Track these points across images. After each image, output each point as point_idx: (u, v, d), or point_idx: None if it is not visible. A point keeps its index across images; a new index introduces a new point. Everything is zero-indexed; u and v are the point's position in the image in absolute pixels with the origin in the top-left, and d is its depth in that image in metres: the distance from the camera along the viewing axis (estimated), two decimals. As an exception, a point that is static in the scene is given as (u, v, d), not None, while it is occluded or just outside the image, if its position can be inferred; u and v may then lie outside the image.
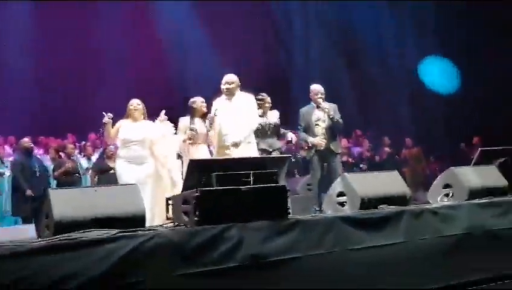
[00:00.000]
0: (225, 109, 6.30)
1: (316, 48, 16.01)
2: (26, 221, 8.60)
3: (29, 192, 8.71)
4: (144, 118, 6.52)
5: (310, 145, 7.21)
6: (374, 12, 15.64)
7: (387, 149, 12.79)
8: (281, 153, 7.21)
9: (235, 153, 6.07)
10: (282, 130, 7.55)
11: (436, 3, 14.69)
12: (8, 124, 12.32)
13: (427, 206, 4.84)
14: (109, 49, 13.91)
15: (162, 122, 6.50)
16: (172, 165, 6.48)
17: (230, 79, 6.38)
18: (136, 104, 6.48)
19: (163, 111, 6.54)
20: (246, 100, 6.41)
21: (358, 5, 15.39)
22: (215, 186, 4.01)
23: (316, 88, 7.35)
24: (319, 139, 7.14)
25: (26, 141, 9.36)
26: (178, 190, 6.25)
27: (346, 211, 4.75)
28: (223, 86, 6.39)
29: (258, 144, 6.65)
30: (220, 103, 6.39)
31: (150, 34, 14.50)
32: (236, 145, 6.13)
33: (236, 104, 6.35)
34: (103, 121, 6.32)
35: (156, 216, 5.79)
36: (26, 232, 6.88)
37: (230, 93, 6.34)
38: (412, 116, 14.65)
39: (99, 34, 14.05)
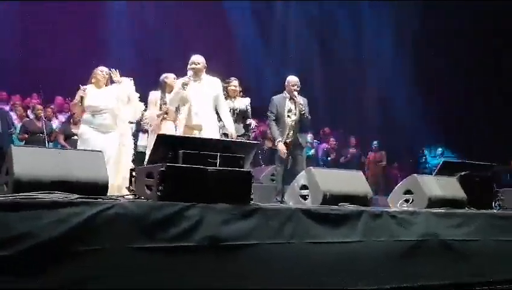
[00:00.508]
0: (193, 89, 6.20)
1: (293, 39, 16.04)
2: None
3: None
4: (106, 85, 6.42)
5: (275, 145, 7.30)
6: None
7: (352, 150, 12.95)
8: (247, 139, 7.20)
9: (203, 134, 6.03)
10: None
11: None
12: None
13: (387, 209, 4.91)
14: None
15: (121, 82, 6.39)
16: (125, 131, 6.45)
17: (196, 59, 6.28)
18: (105, 71, 6.38)
19: (117, 71, 6.45)
20: (213, 83, 6.33)
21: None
22: (181, 164, 3.99)
23: (293, 80, 7.36)
24: (283, 150, 7.16)
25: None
26: (127, 152, 6.27)
27: (308, 204, 4.78)
28: (189, 66, 6.27)
29: (221, 128, 6.62)
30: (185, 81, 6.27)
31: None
32: (198, 127, 6.09)
33: (204, 86, 6.26)
34: (79, 93, 6.21)
35: (117, 186, 5.73)
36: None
37: (196, 73, 6.23)
38: (381, 120, 14.86)
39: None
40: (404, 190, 5.48)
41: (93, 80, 6.35)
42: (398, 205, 5.39)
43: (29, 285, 3.05)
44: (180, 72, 6.46)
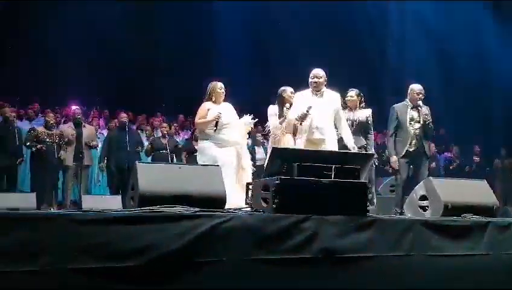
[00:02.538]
0: (314, 103, 6.27)
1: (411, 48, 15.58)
2: (115, 192, 9.04)
3: (101, 165, 9.24)
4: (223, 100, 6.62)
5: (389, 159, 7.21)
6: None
7: (476, 158, 12.30)
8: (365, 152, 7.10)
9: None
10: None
11: None
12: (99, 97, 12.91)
13: (516, 220, 4.61)
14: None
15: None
16: (243, 151, 6.60)
17: (317, 73, 6.33)
18: (222, 86, 6.58)
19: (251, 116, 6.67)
20: (332, 97, 6.35)
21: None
22: (296, 176, 4.02)
23: (418, 88, 7.17)
24: (394, 165, 7.04)
25: (122, 116, 9.83)
26: (247, 174, 6.38)
27: (428, 215, 4.61)
28: (311, 80, 6.34)
29: (339, 140, 6.58)
30: (306, 97, 6.35)
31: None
32: (321, 141, 6.12)
33: (324, 100, 6.30)
34: (216, 117, 6.37)
35: (234, 200, 5.86)
36: (113, 202, 7.27)
37: (317, 87, 6.29)
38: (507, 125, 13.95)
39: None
40: (420, 196, 4.91)
41: (212, 97, 6.57)
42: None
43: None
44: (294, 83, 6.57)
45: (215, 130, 6.34)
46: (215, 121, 6.32)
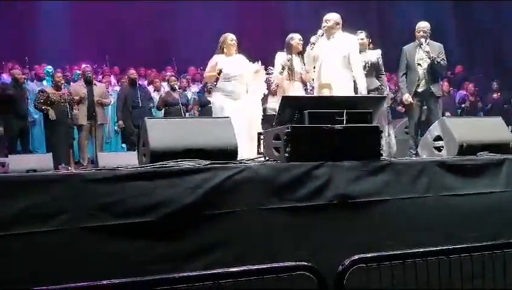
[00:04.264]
0: (324, 47, 6.17)
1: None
2: (131, 149, 9.10)
3: (120, 123, 9.25)
4: (236, 52, 6.54)
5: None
6: None
7: (495, 96, 12.07)
8: (380, 93, 7.00)
9: (333, 92, 5.97)
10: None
11: None
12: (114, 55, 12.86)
13: (532, 156, 4.53)
14: None
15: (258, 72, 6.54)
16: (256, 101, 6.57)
17: (327, 17, 6.21)
18: (234, 38, 6.49)
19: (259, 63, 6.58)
20: (346, 40, 6.22)
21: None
22: (307, 123, 3.98)
23: (420, 25, 7.02)
24: (407, 100, 6.95)
25: (131, 72, 9.78)
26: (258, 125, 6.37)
27: (443, 156, 4.57)
28: (322, 24, 6.24)
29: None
30: (320, 42, 6.25)
31: None
32: (327, 86, 6.03)
33: (336, 44, 6.18)
34: (217, 72, 6.38)
35: (248, 151, 5.86)
36: (129, 158, 7.30)
37: (327, 31, 6.18)
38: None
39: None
40: (434, 136, 4.81)
41: (224, 49, 6.49)
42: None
43: (169, 248, 3.25)
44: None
45: (215, 84, 6.32)
46: (217, 75, 6.29)
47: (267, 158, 4.14)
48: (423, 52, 6.97)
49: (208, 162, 3.62)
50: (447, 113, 9.62)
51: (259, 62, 6.60)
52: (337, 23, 6.19)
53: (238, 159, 3.97)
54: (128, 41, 13.81)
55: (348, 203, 3.73)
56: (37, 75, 10.98)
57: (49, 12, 13.34)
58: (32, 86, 10.31)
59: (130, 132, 9.36)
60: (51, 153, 7.73)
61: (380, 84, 7.07)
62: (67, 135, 9.06)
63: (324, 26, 6.18)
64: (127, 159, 7.21)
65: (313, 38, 6.19)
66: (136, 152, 8.06)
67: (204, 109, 9.60)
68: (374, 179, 3.86)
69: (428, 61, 6.92)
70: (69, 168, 8.40)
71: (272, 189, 3.58)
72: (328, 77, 6.11)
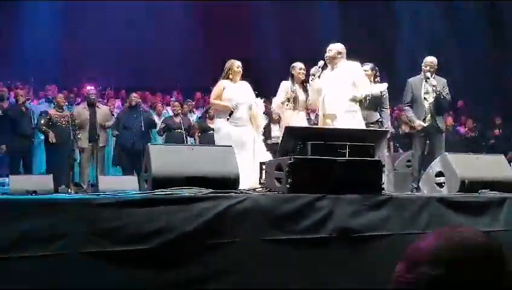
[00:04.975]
0: (327, 78, 6.21)
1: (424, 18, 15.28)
2: (125, 172, 9.10)
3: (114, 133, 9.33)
4: (241, 79, 6.57)
5: (413, 128, 7.05)
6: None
7: (496, 131, 12.10)
8: (380, 127, 7.00)
9: (337, 124, 5.97)
10: None
11: None
12: (114, 77, 12.95)
13: (534, 195, 4.54)
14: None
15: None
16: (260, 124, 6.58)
17: (330, 47, 6.25)
18: (240, 65, 6.52)
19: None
20: (350, 69, 6.22)
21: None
22: (310, 155, 3.99)
23: (428, 60, 7.06)
24: (422, 125, 6.92)
25: (134, 96, 9.81)
26: (261, 154, 6.35)
27: (444, 192, 4.57)
28: (325, 55, 6.28)
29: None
30: (324, 73, 6.29)
31: None
32: (331, 117, 6.01)
33: (339, 73, 6.20)
34: (232, 108, 6.34)
35: (251, 179, 5.85)
36: (129, 183, 7.30)
37: (330, 61, 6.21)
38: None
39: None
40: (436, 172, 4.83)
41: (230, 75, 6.52)
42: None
43: (168, 276, 3.23)
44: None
45: (228, 119, 6.32)
46: (230, 111, 6.30)
47: (268, 189, 4.14)
48: (429, 86, 7.00)
49: (209, 190, 3.62)
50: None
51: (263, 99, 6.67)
52: (340, 52, 6.20)
53: (240, 188, 3.97)
54: (138, 63, 13.89)
55: (349, 237, 3.72)
56: (42, 96, 11.05)
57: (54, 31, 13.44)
58: (37, 107, 10.35)
59: (119, 154, 9.39)
60: (51, 175, 7.71)
61: (380, 117, 7.08)
62: (68, 157, 9.07)
63: (327, 57, 6.21)
64: (127, 184, 7.23)
65: (313, 70, 6.23)
66: (135, 177, 8.14)
67: (204, 134, 9.61)
68: (375, 214, 3.86)
69: (434, 95, 6.95)
70: (69, 190, 8.39)
71: (273, 220, 3.58)
72: (332, 108, 6.11)
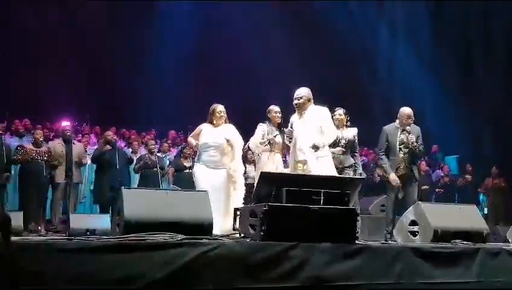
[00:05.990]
0: (298, 124, 6.19)
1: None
2: (103, 210, 8.95)
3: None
4: (226, 122, 6.56)
5: (387, 178, 7.04)
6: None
7: (468, 177, 12.28)
8: (354, 171, 7.03)
9: (308, 169, 5.94)
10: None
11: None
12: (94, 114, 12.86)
13: (506, 247, 4.57)
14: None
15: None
16: (238, 173, 6.52)
17: (297, 94, 6.24)
18: (222, 110, 6.51)
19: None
20: (318, 114, 6.23)
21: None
22: (284, 202, 3.98)
23: (407, 112, 7.10)
24: (396, 181, 6.92)
25: (109, 133, 9.72)
26: (239, 196, 6.31)
27: (418, 241, 4.58)
28: (293, 102, 6.27)
29: (334, 158, 6.48)
30: (294, 118, 6.29)
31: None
32: (302, 162, 5.98)
33: (307, 119, 6.19)
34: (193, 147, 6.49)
35: (221, 223, 5.78)
36: (101, 222, 7.18)
37: (299, 108, 6.20)
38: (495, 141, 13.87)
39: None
40: (410, 221, 4.89)
41: (213, 120, 6.51)
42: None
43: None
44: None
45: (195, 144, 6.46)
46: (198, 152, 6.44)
47: (242, 235, 4.10)
48: (405, 138, 7.02)
49: (182, 236, 3.58)
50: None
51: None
52: (309, 99, 6.21)
53: (213, 234, 3.93)
54: (111, 100, 13.80)
55: (322, 287, 3.69)
56: (16, 130, 10.89)
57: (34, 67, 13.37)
58: (12, 141, 10.17)
59: (101, 192, 9.25)
60: (21, 212, 7.55)
61: (354, 162, 7.12)
62: (41, 193, 8.90)
63: (296, 104, 6.20)
64: (99, 223, 7.11)
65: (287, 132, 6.21)
66: (108, 215, 8.02)
67: (180, 173, 9.53)
68: (348, 263, 3.84)
69: (410, 145, 6.99)
70: (39, 227, 8.21)
71: (246, 268, 3.54)
72: (303, 155, 6.08)
